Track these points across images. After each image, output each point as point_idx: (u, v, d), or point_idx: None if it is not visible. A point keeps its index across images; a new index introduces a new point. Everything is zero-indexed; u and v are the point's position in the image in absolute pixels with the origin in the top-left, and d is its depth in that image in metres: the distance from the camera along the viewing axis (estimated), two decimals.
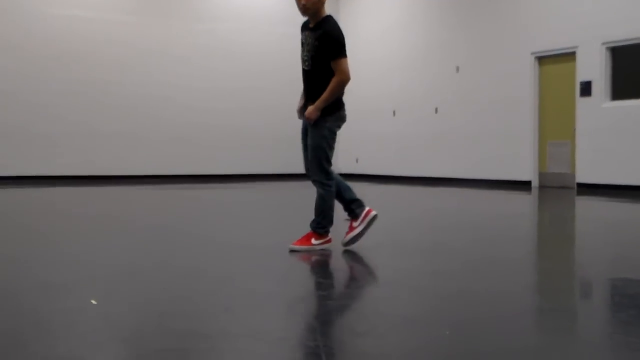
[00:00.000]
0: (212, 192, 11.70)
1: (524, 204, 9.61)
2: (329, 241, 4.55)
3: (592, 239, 5.78)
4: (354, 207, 4.58)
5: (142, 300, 3.16)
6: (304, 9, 4.43)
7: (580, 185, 12.03)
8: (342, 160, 17.88)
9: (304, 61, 4.52)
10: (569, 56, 12.35)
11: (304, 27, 4.58)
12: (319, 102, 4.39)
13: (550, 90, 12.82)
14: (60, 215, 7.82)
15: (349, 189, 4.63)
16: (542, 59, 12.93)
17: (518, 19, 13.26)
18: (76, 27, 14.92)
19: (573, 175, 12.28)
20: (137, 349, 2.37)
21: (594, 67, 11.86)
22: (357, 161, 17.38)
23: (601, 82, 11.77)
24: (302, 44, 4.54)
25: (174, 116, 15.85)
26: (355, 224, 4.56)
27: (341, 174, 17.66)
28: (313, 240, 4.49)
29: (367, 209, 4.57)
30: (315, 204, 4.56)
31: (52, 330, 2.61)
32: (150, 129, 15.60)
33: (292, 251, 4.44)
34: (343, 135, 19.87)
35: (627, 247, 5.11)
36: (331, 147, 4.52)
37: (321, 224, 4.53)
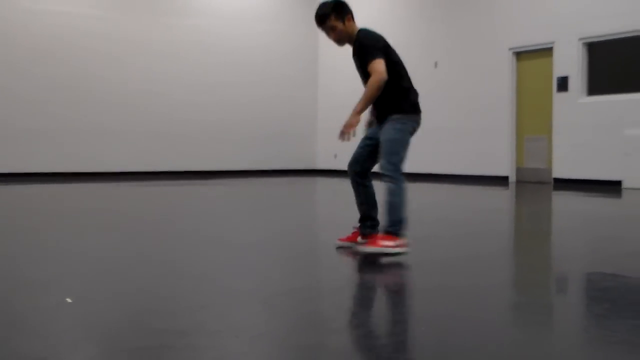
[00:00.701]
0: (193, 189, 11.66)
1: (501, 199, 9.68)
2: (404, 245, 4.21)
3: (567, 233, 5.83)
4: (367, 225, 4.48)
5: (120, 298, 3.14)
6: (337, 43, 4.50)
7: (556, 180, 12.13)
8: (321, 156, 17.89)
9: (362, 81, 4.51)
10: (546, 52, 12.44)
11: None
12: (357, 105, 4.29)
13: (527, 86, 12.91)
14: (41, 212, 7.75)
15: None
16: (520, 55, 13.01)
17: (496, 15, 13.33)
18: (58, 22, 14.76)
19: (550, 171, 12.38)
20: (113, 346, 2.36)
21: (570, 62, 11.96)
22: (335, 157, 17.39)
23: (578, 78, 11.87)
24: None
25: (157, 112, 15.76)
26: (359, 239, 4.47)
27: (320, 170, 17.57)
28: (386, 242, 4.17)
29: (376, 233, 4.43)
30: (385, 203, 4.25)
31: (27, 328, 2.59)
32: (132, 125, 15.50)
33: (359, 253, 4.19)
34: (322, 131, 19.91)
35: (602, 241, 5.16)
36: (404, 146, 4.35)
37: (397, 223, 4.22)
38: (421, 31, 14.97)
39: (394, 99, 4.37)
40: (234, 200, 9.58)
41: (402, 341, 2.47)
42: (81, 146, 14.96)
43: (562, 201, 9.25)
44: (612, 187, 10.82)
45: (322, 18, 4.36)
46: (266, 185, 12.65)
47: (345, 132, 4.25)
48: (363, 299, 3.28)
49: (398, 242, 4.20)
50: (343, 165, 17.80)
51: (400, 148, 4.32)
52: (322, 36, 19.39)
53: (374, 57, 4.24)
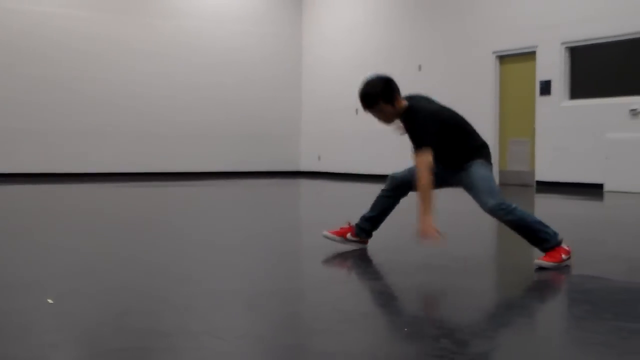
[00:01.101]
0: (177, 190, 11.62)
1: None
2: (568, 252, 4.00)
3: None
4: (365, 227, 4.41)
5: (102, 299, 3.13)
6: (385, 123, 4.22)
7: (539, 183, 12.21)
8: (305, 158, 17.89)
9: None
10: (529, 55, 12.52)
11: None
12: (421, 209, 3.82)
13: (510, 89, 12.99)
14: (25, 212, 7.69)
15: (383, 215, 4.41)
16: (503, 58, 13.08)
17: (479, 19, 13.40)
18: (42, 23, 14.66)
19: (532, 173, 12.46)
20: (94, 348, 2.35)
21: (553, 66, 12.04)
22: (319, 159, 17.40)
23: (560, 82, 11.95)
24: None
25: (141, 113, 15.68)
26: (349, 235, 4.42)
27: (303, 172, 17.54)
28: (563, 256, 3.93)
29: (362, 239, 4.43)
30: (525, 236, 4.05)
31: (7, 330, 2.58)
32: (116, 126, 15.41)
33: (540, 268, 3.90)
34: (306, 132, 19.89)
35: (583, 244, 5.20)
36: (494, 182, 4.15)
37: (548, 237, 4.04)
38: (405, 34, 15.02)
39: (466, 153, 4.19)
40: (218, 202, 9.56)
41: (385, 343, 2.48)
42: (65, 147, 14.86)
43: (545, 204, 9.31)
44: (593, 190, 10.91)
45: (370, 101, 4.06)
46: (250, 187, 12.64)
47: (425, 238, 3.79)
48: (346, 299, 3.29)
49: (565, 249, 4.00)
50: (327, 167, 17.78)
51: (493, 184, 4.10)
52: (306, 37, 19.30)
53: (422, 144, 3.90)
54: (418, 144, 3.92)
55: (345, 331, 2.66)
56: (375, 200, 4.38)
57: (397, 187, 4.30)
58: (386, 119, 4.10)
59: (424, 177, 3.83)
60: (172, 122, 16.05)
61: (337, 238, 4.43)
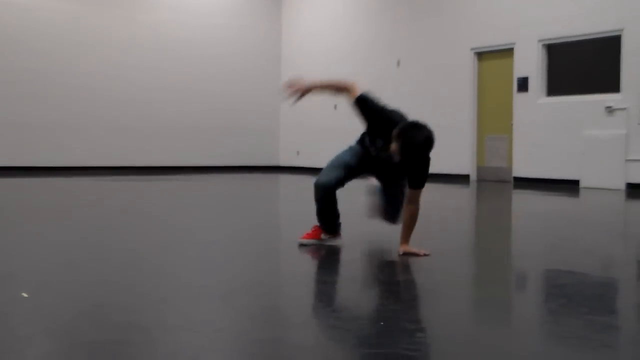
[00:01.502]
0: (155, 184, 11.56)
1: (462, 197, 9.78)
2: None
3: (526, 231, 5.92)
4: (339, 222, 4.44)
5: (78, 292, 3.10)
6: (393, 159, 4.07)
7: (516, 179, 12.29)
8: (283, 153, 17.87)
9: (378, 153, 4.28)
10: (507, 52, 12.59)
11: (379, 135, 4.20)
12: (408, 237, 4.13)
13: (488, 86, 13.06)
14: (0, 206, 7.62)
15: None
16: (481, 55, 13.14)
17: (458, 15, 13.44)
18: (18, 14, 14.50)
19: (510, 169, 12.54)
20: (69, 340, 2.33)
21: (530, 63, 12.12)
22: (298, 154, 17.39)
23: (537, 79, 12.04)
24: (372, 144, 4.28)
25: (118, 106, 15.56)
26: (322, 235, 4.44)
27: (282, 167, 17.53)
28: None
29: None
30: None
31: None
32: (93, 119, 15.27)
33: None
34: (285, 127, 19.87)
35: (558, 239, 5.25)
36: None
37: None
38: (385, 29, 15.04)
39: None
40: (195, 196, 9.52)
41: (361, 336, 2.48)
42: (42, 140, 14.72)
43: (522, 200, 9.38)
44: (570, 186, 11.01)
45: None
46: (228, 181, 12.60)
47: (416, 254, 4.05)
48: (323, 294, 3.29)
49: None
50: (306, 162, 17.77)
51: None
52: (285, 31, 19.25)
53: (423, 185, 4.13)
54: (420, 184, 4.10)
55: (322, 325, 2.66)
56: (325, 205, 4.34)
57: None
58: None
59: (418, 209, 4.13)
60: (151, 115, 15.95)
61: (313, 241, 4.42)
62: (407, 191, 4.18)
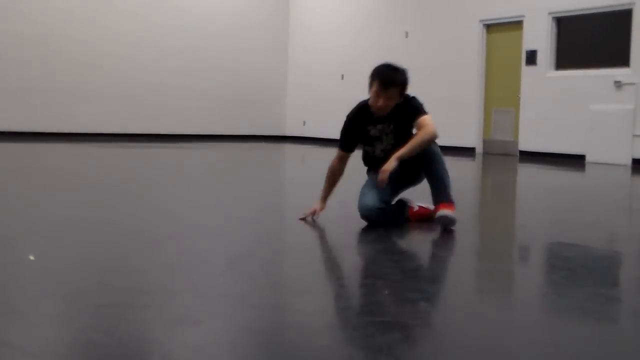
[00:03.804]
0: (161, 152, 11.57)
1: (468, 170, 9.76)
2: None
3: (531, 204, 5.92)
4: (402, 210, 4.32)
5: (83, 256, 3.13)
6: (379, 109, 4.07)
7: (522, 152, 12.26)
8: (290, 123, 17.84)
9: (383, 151, 4.18)
10: (516, 25, 12.49)
11: (368, 120, 4.18)
12: (400, 152, 3.96)
13: (496, 58, 12.97)
14: (5, 171, 7.63)
15: None
16: (490, 27, 13.04)
17: None
18: None
19: (516, 143, 12.51)
20: (76, 303, 2.35)
21: (539, 36, 12.02)
22: (304, 124, 17.36)
23: (546, 52, 11.95)
24: (376, 138, 4.19)
25: (126, 75, 15.49)
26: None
27: (288, 137, 17.47)
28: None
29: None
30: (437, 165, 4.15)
31: None
32: (100, 87, 15.22)
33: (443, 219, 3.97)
34: (291, 97, 19.83)
35: (563, 212, 5.25)
36: None
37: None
38: (393, 2, 14.91)
39: None
40: (201, 164, 9.53)
41: (365, 305, 2.50)
42: (47, 106, 14.69)
43: (527, 173, 9.37)
44: (576, 161, 10.98)
45: (395, 82, 4.04)
46: (234, 150, 12.60)
47: (382, 178, 3.92)
48: (328, 262, 3.31)
49: None
50: (312, 132, 17.71)
51: None
52: (292, 3, 19.08)
53: (425, 113, 4.07)
54: (422, 113, 4.06)
55: (326, 292, 2.68)
56: (383, 219, 4.16)
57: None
58: (388, 105, 4.05)
59: (434, 132, 4.04)
60: (158, 84, 15.90)
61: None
62: (416, 127, 4.09)
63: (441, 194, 4.04)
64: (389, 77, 4.03)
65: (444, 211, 3.94)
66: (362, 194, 4.17)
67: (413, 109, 4.09)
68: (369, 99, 4.13)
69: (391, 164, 3.92)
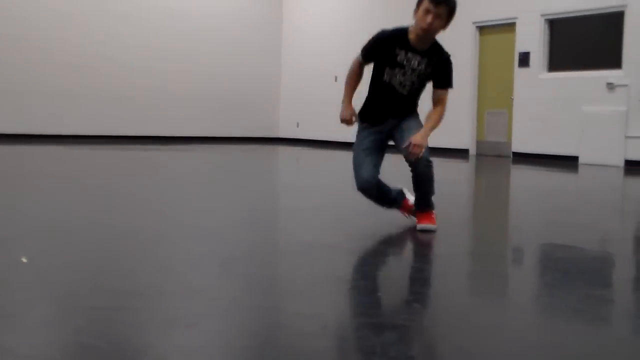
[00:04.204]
0: (154, 154, 11.55)
1: (462, 172, 9.78)
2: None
3: (524, 206, 5.93)
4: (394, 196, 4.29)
5: (76, 259, 3.11)
6: (426, 31, 3.87)
7: (515, 154, 12.29)
8: (283, 125, 17.84)
9: (401, 85, 4.02)
10: (509, 27, 12.53)
11: (400, 44, 3.98)
12: (427, 131, 3.94)
13: (489, 60, 13.00)
14: None
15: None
16: (483, 29, 13.07)
17: None
18: None
19: (509, 144, 12.53)
20: (68, 305, 2.34)
21: (532, 38, 12.06)
22: (297, 125, 17.36)
23: (539, 54, 11.99)
24: (401, 65, 3.98)
25: (118, 76, 15.51)
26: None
27: (282, 139, 17.48)
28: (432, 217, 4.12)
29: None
30: (427, 183, 4.08)
31: None
32: (93, 88, 15.22)
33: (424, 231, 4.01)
34: (285, 99, 19.85)
35: (556, 214, 5.26)
36: None
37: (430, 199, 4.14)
38: (387, 2, 14.93)
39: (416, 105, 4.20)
40: (194, 166, 9.52)
41: (359, 306, 2.50)
42: (39, 108, 14.67)
43: (520, 175, 9.39)
44: (569, 162, 11.01)
45: (448, 2, 3.85)
46: (228, 152, 12.58)
47: (416, 152, 3.89)
48: (322, 263, 3.30)
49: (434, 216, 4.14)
50: (305, 134, 17.73)
51: None
52: (286, 4, 19.11)
53: (450, 87, 4.02)
54: (448, 85, 4.01)
55: (320, 294, 2.67)
56: (377, 196, 4.18)
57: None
58: (434, 30, 3.88)
59: (444, 111, 4.02)
60: (151, 85, 15.90)
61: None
62: (434, 93, 4.02)
63: (422, 204, 4.11)
64: (449, 2, 3.85)
65: (424, 225, 4.03)
66: (357, 163, 4.08)
67: (446, 72, 4.00)
68: (409, 26, 4.00)
69: (425, 138, 3.89)
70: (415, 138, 3.87)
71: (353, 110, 4.11)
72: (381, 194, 4.15)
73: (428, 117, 4.01)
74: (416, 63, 3.97)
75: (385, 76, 4.04)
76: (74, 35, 14.99)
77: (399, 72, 4.00)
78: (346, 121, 4.09)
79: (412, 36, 3.96)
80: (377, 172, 4.09)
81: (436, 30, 3.90)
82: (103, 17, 15.31)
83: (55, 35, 14.77)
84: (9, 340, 2.00)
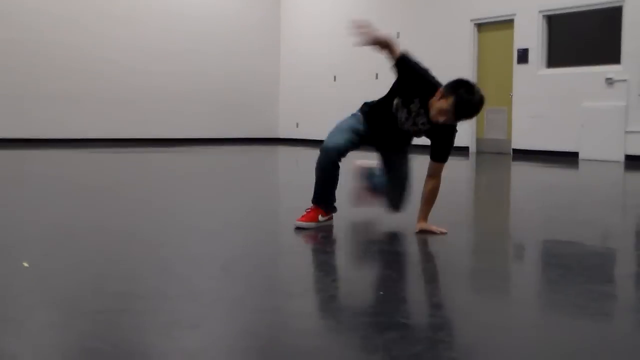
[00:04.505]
0: (154, 156, 11.55)
1: (462, 169, 9.78)
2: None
3: (525, 202, 5.93)
4: (333, 201, 4.21)
5: (78, 263, 3.12)
6: (441, 119, 3.77)
7: (515, 151, 12.29)
8: (283, 125, 17.84)
9: (401, 123, 4.01)
10: (507, 23, 12.52)
11: (422, 98, 3.93)
12: (427, 214, 3.99)
13: (488, 57, 13.00)
14: None
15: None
16: (481, 26, 13.07)
17: None
18: None
19: (509, 141, 12.53)
20: (71, 309, 2.35)
21: (531, 34, 12.06)
22: (297, 126, 17.36)
23: (537, 50, 11.98)
24: (409, 112, 3.97)
25: (117, 79, 15.46)
26: (320, 217, 4.14)
27: (282, 139, 17.43)
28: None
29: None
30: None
31: None
32: (92, 91, 15.18)
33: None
34: (284, 99, 19.81)
35: (557, 210, 5.26)
36: None
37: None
38: (384, 1, 14.93)
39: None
40: (194, 168, 9.52)
41: (360, 305, 2.50)
42: (39, 112, 14.64)
43: (521, 171, 9.39)
44: (569, 158, 11.01)
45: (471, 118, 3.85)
46: (227, 153, 12.59)
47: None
48: (323, 263, 3.31)
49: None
50: (305, 134, 17.68)
51: None
52: (284, 5, 19.07)
53: (446, 159, 3.99)
54: (444, 157, 3.97)
55: (321, 293, 2.68)
56: (330, 174, 4.09)
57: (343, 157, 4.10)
58: (443, 123, 3.83)
59: (439, 184, 4.01)
60: (150, 88, 15.88)
61: (312, 224, 4.07)
62: (430, 165, 3.98)
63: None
64: (472, 113, 3.78)
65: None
66: (336, 129, 4.11)
67: (446, 144, 3.94)
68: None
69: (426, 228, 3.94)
70: (428, 226, 3.95)
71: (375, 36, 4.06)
72: (333, 175, 4.05)
73: (427, 199, 3.99)
74: (420, 122, 3.94)
75: (394, 105, 4.02)
76: (75, 38, 14.97)
77: (404, 113, 3.98)
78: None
79: (431, 116, 3.87)
80: (346, 149, 4.01)
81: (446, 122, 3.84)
82: (103, 20, 15.29)
83: (55, 39, 14.75)
84: (13, 345, 2.00)
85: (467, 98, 3.69)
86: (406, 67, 4.00)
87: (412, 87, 3.95)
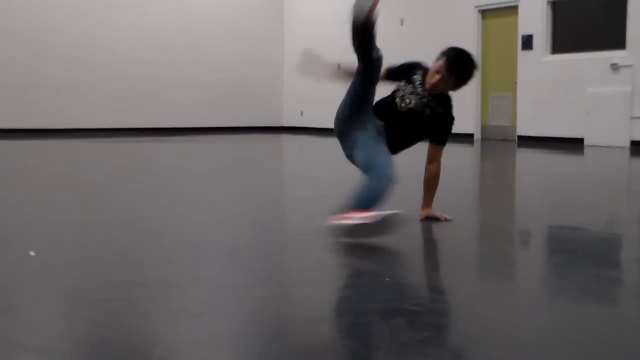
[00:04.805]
0: (155, 146, 11.55)
1: (467, 156, 9.76)
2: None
3: (530, 189, 5.92)
4: None
5: (84, 252, 3.12)
6: (435, 87, 3.80)
7: (520, 137, 12.26)
8: (287, 114, 17.82)
9: (402, 100, 3.88)
10: (512, 10, 12.46)
11: (418, 69, 3.93)
12: (431, 201, 3.99)
13: (492, 44, 12.94)
14: (3, 168, 7.63)
15: None
16: (485, 13, 13.00)
17: None
18: None
19: (514, 128, 12.50)
20: (77, 298, 2.35)
21: (535, 21, 12.00)
22: (302, 114, 17.34)
23: (542, 36, 11.93)
24: (410, 83, 3.91)
25: (121, 69, 15.44)
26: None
27: (286, 127, 17.41)
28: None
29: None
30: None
31: None
32: (96, 81, 15.17)
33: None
34: (289, 87, 19.74)
35: (562, 196, 5.25)
36: None
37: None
38: None
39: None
40: (199, 157, 9.52)
41: (367, 292, 2.50)
42: (42, 102, 14.65)
43: (525, 158, 9.37)
44: (574, 145, 10.97)
45: (466, 83, 3.88)
46: (232, 142, 12.58)
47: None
48: (329, 251, 3.31)
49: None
50: (310, 122, 17.66)
51: None
52: None
53: (445, 142, 3.97)
54: (443, 140, 3.95)
55: (327, 281, 2.68)
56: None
57: None
58: (439, 89, 3.83)
59: (439, 169, 3.99)
60: (153, 77, 15.86)
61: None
62: (429, 148, 3.98)
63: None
64: (465, 67, 3.81)
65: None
66: (384, 158, 3.87)
67: (446, 129, 3.93)
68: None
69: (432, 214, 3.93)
70: (433, 212, 3.93)
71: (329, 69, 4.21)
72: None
73: (429, 185, 3.99)
74: (422, 93, 3.85)
75: (399, 88, 3.96)
76: (78, 29, 14.95)
77: (408, 89, 3.89)
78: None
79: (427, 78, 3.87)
80: (345, 114, 4.08)
81: (443, 90, 3.83)
82: (106, 9, 15.26)
83: (59, 30, 14.73)
84: (19, 333, 2.01)
85: (459, 51, 3.82)
86: (396, 68, 4.04)
87: (410, 72, 3.98)
